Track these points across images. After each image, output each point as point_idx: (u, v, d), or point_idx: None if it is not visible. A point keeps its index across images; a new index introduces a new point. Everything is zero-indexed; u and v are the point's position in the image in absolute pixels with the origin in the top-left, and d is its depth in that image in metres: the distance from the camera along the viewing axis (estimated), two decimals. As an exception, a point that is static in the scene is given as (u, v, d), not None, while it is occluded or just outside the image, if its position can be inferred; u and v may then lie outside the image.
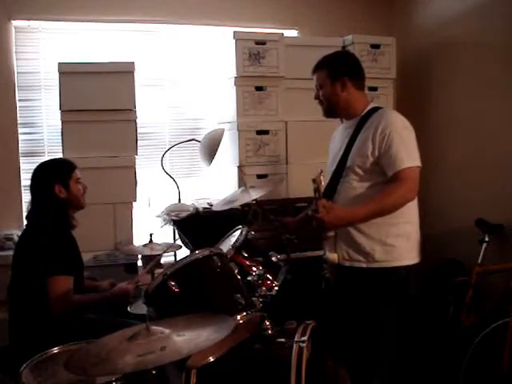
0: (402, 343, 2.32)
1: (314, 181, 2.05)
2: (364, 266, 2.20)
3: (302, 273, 2.65)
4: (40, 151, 3.44)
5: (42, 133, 3.45)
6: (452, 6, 3.60)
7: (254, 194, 2.48)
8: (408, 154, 2.11)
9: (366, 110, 2.28)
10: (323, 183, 2.08)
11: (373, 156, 2.15)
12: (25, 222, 2.45)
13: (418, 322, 3.21)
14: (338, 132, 2.46)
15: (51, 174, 2.37)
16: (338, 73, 2.27)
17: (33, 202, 2.38)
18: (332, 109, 2.33)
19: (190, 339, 1.34)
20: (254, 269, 1.96)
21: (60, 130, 3.14)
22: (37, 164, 2.50)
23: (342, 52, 2.38)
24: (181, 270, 1.78)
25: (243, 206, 3.23)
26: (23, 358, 1.69)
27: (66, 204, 2.36)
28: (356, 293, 2.25)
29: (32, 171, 2.43)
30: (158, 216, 3.09)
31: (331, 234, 2.23)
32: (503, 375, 2.53)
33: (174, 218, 3.02)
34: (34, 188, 2.38)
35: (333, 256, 2.23)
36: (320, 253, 2.43)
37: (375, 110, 2.26)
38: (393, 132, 2.12)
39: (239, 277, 1.90)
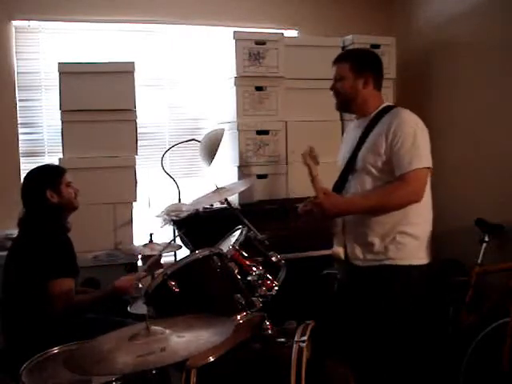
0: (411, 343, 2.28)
1: (302, 156, 2.07)
2: (376, 263, 2.17)
3: (303, 272, 2.65)
4: (40, 151, 3.44)
5: (42, 133, 3.45)
6: (452, 6, 3.60)
7: (225, 195, 2.48)
8: (418, 156, 2.10)
9: (378, 109, 2.25)
10: (313, 159, 2.08)
11: (386, 154, 2.13)
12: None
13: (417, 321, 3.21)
14: (349, 130, 2.44)
15: (42, 181, 2.39)
16: (363, 68, 2.24)
17: (26, 209, 2.39)
18: (347, 103, 2.30)
19: (190, 341, 1.34)
20: (254, 269, 1.96)
21: (60, 130, 3.14)
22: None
23: (367, 49, 2.36)
24: (181, 269, 1.78)
25: (242, 205, 3.25)
26: (23, 358, 1.69)
27: (59, 208, 2.38)
28: (366, 290, 2.21)
29: (23, 179, 2.44)
30: (157, 216, 3.10)
31: (338, 228, 2.22)
32: (503, 375, 2.53)
33: (174, 218, 3.02)
34: (26, 195, 2.40)
35: (338, 250, 2.21)
36: (321, 252, 2.42)
37: (388, 109, 2.24)
38: (405, 132, 2.11)
39: (239, 277, 1.90)
